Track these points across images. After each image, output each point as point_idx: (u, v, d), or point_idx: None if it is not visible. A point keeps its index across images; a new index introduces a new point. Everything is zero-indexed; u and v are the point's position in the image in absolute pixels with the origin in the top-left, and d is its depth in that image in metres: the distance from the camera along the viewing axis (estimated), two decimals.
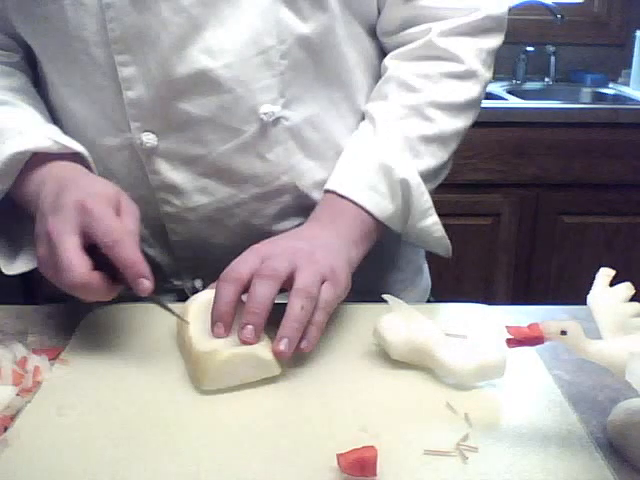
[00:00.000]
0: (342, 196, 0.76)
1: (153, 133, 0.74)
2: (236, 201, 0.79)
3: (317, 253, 0.67)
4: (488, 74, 0.83)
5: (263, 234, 0.75)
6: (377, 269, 0.88)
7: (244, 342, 0.60)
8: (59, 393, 0.60)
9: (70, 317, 0.74)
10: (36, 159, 0.70)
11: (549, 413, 0.58)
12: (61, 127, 0.77)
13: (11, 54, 0.80)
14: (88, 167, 0.73)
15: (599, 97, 2.39)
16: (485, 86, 0.83)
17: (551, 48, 2.43)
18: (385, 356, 0.65)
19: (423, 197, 0.77)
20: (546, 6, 2.29)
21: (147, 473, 0.50)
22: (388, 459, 0.50)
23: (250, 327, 0.60)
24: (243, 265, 0.64)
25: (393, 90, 0.80)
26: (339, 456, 0.49)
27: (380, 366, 0.65)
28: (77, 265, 0.60)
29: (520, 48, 2.38)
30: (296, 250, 0.66)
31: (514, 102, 2.14)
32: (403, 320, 0.65)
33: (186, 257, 0.83)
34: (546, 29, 2.38)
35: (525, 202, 2.06)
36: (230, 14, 0.70)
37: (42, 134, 0.72)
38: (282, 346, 0.60)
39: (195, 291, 0.81)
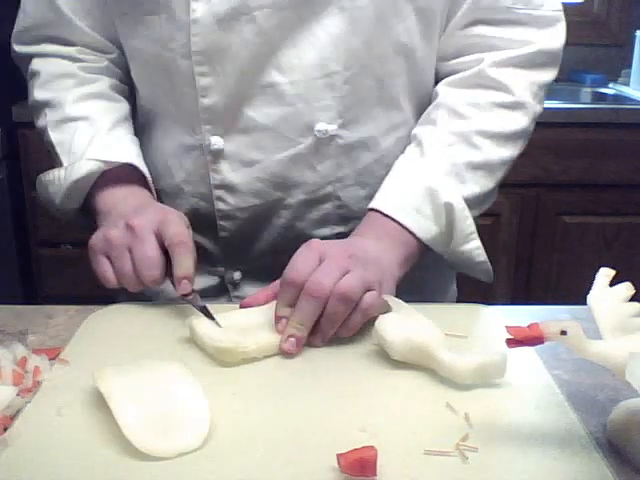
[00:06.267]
0: (387, 215, 0.78)
1: (221, 137, 0.81)
2: (284, 204, 0.84)
3: (369, 264, 0.71)
4: (539, 107, 0.85)
5: (304, 237, 0.80)
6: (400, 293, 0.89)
7: (285, 352, 0.66)
8: (59, 393, 0.60)
9: (70, 317, 0.74)
10: (105, 175, 0.82)
11: (549, 413, 0.58)
12: (148, 126, 0.89)
13: (100, 57, 0.89)
14: (143, 175, 0.84)
15: (599, 97, 2.39)
16: (535, 118, 0.85)
17: None
18: (385, 356, 0.65)
19: (466, 221, 0.79)
20: None
21: (147, 473, 0.50)
22: (388, 459, 0.50)
23: (293, 340, 0.66)
24: (302, 265, 0.68)
25: (442, 116, 0.82)
26: (339, 456, 0.49)
27: (380, 366, 0.65)
28: (158, 265, 0.73)
29: None
30: (351, 254, 0.70)
31: None
32: (403, 320, 0.65)
33: (231, 252, 0.88)
34: None
35: (525, 202, 2.06)
36: (303, 38, 0.77)
37: (92, 156, 0.81)
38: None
39: (233, 282, 0.89)
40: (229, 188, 0.83)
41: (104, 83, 0.89)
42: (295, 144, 0.81)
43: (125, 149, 0.84)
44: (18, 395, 0.58)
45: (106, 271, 0.74)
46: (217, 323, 0.69)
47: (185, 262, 0.73)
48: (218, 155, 0.82)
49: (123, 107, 0.89)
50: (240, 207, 0.84)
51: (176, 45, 0.79)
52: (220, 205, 0.85)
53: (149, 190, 0.85)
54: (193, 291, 0.73)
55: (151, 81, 0.85)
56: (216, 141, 0.81)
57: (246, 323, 0.69)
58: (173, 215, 0.76)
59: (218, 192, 0.84)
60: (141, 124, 0.91)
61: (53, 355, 0.65)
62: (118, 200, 0.81)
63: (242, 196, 0.84)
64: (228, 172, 0.83)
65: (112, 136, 0.85)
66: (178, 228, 0.74)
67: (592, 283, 0.55)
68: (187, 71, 0.79)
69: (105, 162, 0.81)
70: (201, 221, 0.87)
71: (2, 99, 1.84)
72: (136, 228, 0.73)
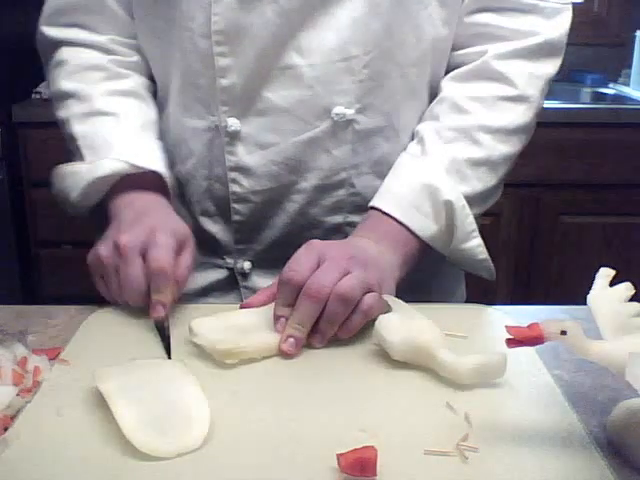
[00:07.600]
0: (386, 214, 0.78)
1: (237, 118, 0.81)
2: (298, 188, 0.84)
3: (369, 265, 0.70)
4: (542, 100, 0.84)
5: (316, 224, 0.85)
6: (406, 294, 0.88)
7: (284, 352, 0.66)
8: (59, 393, 0.60)
9: (70, 317, 0.74)
10: (124, 178, 0.81)
11: (549, 413, 0.58)
12: (163, 108, 0.88)
13: (131, 51, 0.88)
14: (165, 185, 0.83)
15: (599, 97, 2.39)
16: (537, 112, 0.84)
17: None
18: (385, 356, 0.65)
19: (467, 219, 0.79)
20: None
21: (147, 473, 0.50)
22: (388, 459, 0.50)
23: (292, 340, 0.66)
24: (301, 264, 0.68)
25: (444, 111, 0.82)
26: (339, 456, 0.49)
27: (380, 366, 0.65)
28: (141, 287, 0.71)
29: None
30: (351, 255, 0.70)
31: None
32: (403, 320, 0.65)
33: (243, 239, 0.88)
34: None
35: (525, 202, 2.06)
36: (324, 20, 0.77)
37: (119, 156, 0.81)
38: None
39: (243, 273, 0.88)
40: (244, 170, 0.83)
41: (134, 80, 0.88)
42: (312, 127, 0.80)
43: (154, 155, 0.84)
44: (18, 395, 0.58)
45: (102, 289, 0.75)
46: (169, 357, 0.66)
47: (161, 289, 0.71)
48: (234, 137, 0.82)
49: (152, 109, 0.89)
50: (254, 190, 0.84)
51: (196, 25, 0.78)
52: (235, 188, 0.84)
53: (167, 197, 0.84)
54: (167, 319, 0.71)
55: (168, 62, 0.84)
56: (233, 123, 0.81)
57: (246, 324, 0.69)
58: (161, 235, 0.73)
59: (233, 174, 0.83)
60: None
61: (53, 355, 0.65)
62: (126, 204, 0.80)
63: (257, 179, 0.83)
64: (244, 154, 0.82)
65: (141, 139, 0.84)
66: (159, 252, 0.72)
67: (592, 283, 0.55)
68: (206, 51, 0.79)
69: (133, 165, 0.80)
70: (214, 205, 0.87)
71: (2, 99, 1.85)
72: (122, 248, 0.72)
